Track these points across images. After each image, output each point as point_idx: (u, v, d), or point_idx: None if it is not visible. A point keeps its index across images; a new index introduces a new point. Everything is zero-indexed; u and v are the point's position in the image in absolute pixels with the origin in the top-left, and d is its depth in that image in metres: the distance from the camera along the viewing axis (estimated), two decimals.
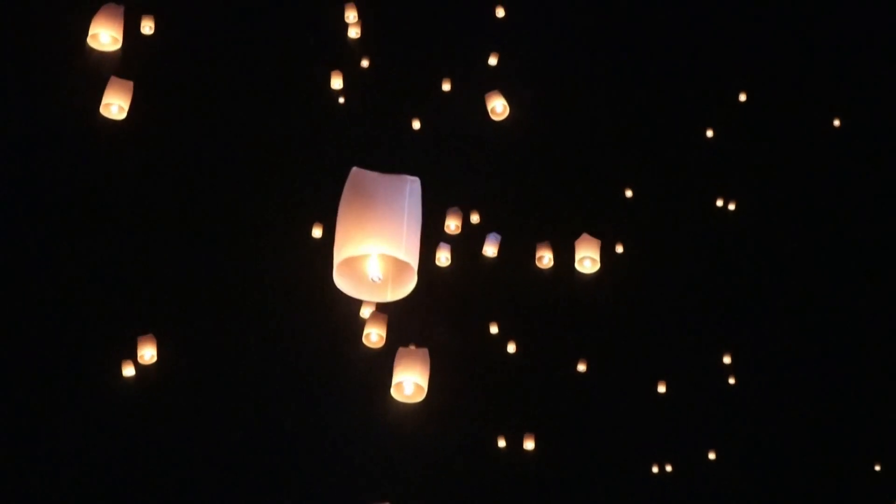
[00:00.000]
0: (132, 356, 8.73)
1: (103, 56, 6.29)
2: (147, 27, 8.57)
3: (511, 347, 11.43)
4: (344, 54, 11.24)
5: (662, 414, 12.23)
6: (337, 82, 11.07)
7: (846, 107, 13.34)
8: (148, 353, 8.33)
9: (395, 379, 5.74)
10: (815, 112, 13.36)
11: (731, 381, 12.94)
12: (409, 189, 3.63)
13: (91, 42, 5.95)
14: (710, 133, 13.52)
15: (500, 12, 12.10)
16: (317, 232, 10.05)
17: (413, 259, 3.61)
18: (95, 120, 6.64)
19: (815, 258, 13.09)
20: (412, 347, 5.66)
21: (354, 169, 3.63)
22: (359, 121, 11.64)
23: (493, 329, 11.64)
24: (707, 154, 13.35)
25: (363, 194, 3.60)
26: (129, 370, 9.00)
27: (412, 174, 3.83)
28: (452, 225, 10.04)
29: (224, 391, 9.75)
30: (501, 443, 11.59)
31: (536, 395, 11.73)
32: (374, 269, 3.63)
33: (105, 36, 5.86)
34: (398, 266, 3.65)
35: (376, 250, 3.56)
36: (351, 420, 10.23)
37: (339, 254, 3.59)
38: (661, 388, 12.24)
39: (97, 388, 9.08)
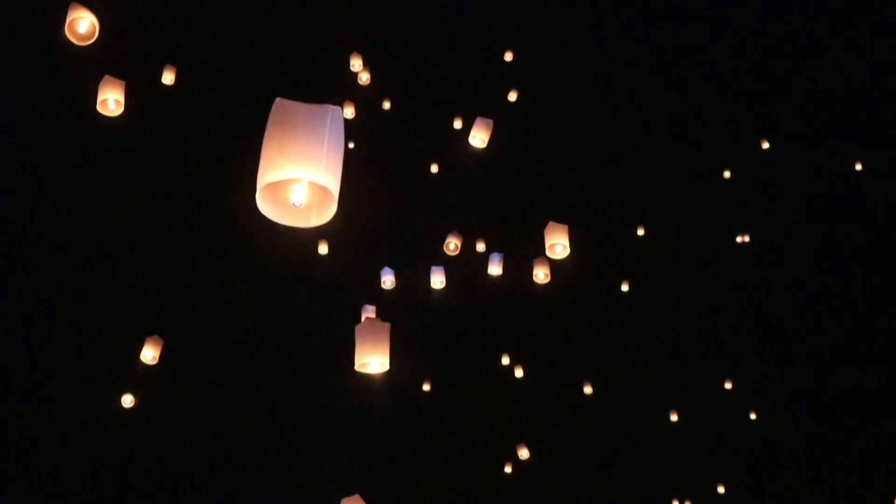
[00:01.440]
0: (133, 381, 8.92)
1: (86, 52, 6.45)
2: (168, 78, 8.90)
3: (519, 372, 11.45)
4: (355, 98, 11.44)
5: (672, 443, 12.12)
6: (349, 111, 11.34)
7: (868, 151, 13.32)
8: (149, 353, 8.51)
9: (360, 359, 5.76)
10: (835, 155, 13.35)
11: (753, 416, 12.79)
12: (331, 117, 3.71)
13: (68, 33, 6.18)
14: (727, 174, 13.53)
15: (509, 56, 12.23)
16: (322, 248, 10.27)
17: (333, 185, 3.69)
18: (93, 120, 6.89)
19: (831, 290, 12.97)
20: (373, 320, 5.71)
21: (278, 99, 3.73)
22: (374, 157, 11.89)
23: (505, 360, 11.67)
24: (723, 192, 13.37)
25: (285, 122, 3.68)
26: (127, 398, 9.25)
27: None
28: (452, 245, 10.16)
29: (222, 398, 9.89)
30: (508, 469, 11.54)
31: (542, 416, 11.71)
32: (297, 194, 3.72)
33: (84, 24, 6.07)
34: (321, 192, 3.73)
35: (296, 175, 3.64)
36: (346, 422, 10.31)
37: (262, 179, 3.68)
38: (674, 417, 12.14)
39: (98, 390, 9.27)
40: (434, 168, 12.00)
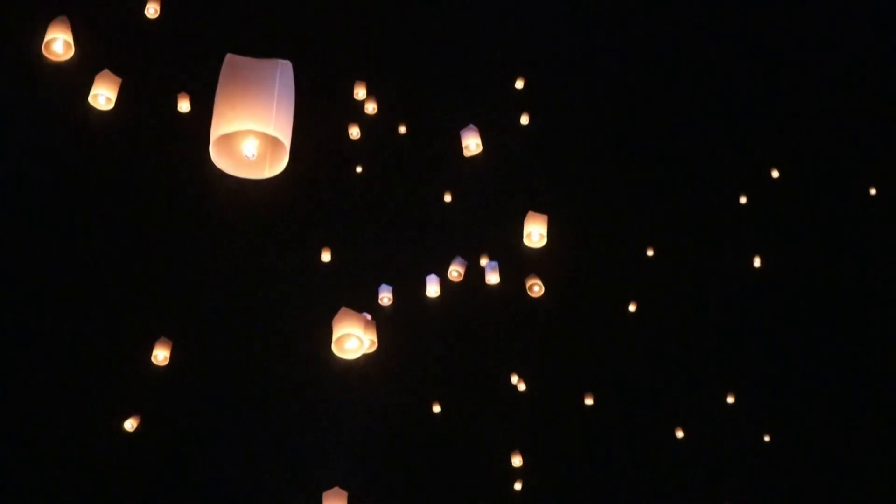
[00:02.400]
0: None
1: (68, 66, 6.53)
2: (184, 105, 9.09)
3: (522, 386, 11.41)
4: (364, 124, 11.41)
5: (677, 461, 12.01)
6: (355, 131, 11.38)
7: (883, 175, 13.23)
8: (161, 353, 8.62)
9: (337, 334, 5.76)
10: (850, 180, 13.26)
11: (767, 438, 12.64)
12: (281, 71, 3.76)
13: (45, 52, 6.30)
14: (743, 199, 13.39)
15: (520, 83, 12.18)
16: (325, 257, 10.32)
17: (284, 136, 3.74)
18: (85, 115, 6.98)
19: (842, 314, 12.87)
20: (349, 310, 5.71)
21: (228, 55, 3.79)
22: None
23: (514, 379, 11.63)
24: (739, 217, 13.29)
25: (237, 77, 3.75)
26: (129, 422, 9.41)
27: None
28: (454, 272, 10.12)
29: (224, 395, 9.93)
30: (517, 486, 11.45)
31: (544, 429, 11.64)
32: (249, 146, 3.78)
33: (59, 44, 6.20)
34: (274, 144, 3.78)
35: (247, 127, 3.70)
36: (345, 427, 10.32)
37: (215, 132, 3.74)
38: (679, 434, 12.03)
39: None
40: (448, 197, 11.98)
